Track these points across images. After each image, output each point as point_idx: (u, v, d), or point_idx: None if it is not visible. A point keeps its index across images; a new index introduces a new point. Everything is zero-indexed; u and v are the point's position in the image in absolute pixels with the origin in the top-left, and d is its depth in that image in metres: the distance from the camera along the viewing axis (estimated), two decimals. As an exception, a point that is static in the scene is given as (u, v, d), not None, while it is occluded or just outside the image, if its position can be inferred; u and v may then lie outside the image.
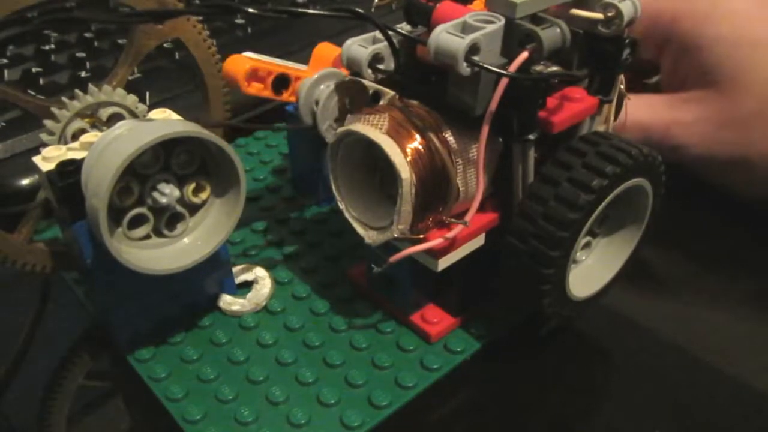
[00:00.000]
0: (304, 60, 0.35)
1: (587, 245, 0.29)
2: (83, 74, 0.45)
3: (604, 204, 0.26)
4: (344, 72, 0.30)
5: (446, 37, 0.23)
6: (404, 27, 0.26)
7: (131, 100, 0.30)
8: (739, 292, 0.33)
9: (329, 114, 0.30)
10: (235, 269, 0.32)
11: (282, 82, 0.34)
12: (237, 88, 0.33)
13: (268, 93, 0.33)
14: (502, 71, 0.23)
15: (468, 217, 0.26)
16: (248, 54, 0.33)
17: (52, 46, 0.49)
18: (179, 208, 0.27)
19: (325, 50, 0.34)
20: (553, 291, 0.27)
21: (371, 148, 0.25)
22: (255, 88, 0.33)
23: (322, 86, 0.30)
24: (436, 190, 0.25)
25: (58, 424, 0.27)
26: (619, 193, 0.26)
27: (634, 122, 0.34)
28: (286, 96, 0.34)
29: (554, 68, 0.25)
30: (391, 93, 0.28)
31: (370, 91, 0.29)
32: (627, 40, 0.26)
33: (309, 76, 0.30)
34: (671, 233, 0.34)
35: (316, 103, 0.30)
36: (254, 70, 0.33)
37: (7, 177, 0.37)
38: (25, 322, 0.32)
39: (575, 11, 0.25)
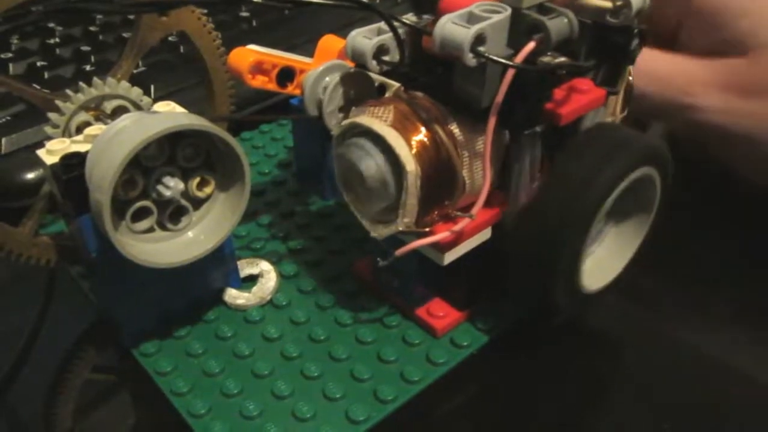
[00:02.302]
0: (309, 53, 0.35)
1: (597, 237, 0.29)
2: (88, 68, 0.45)
3: (613, 195, 0.26)
4: (349, 64, 0.29)
5: (451, 27, 0.23)
6: (409, 18, 0.26)
7: (136, 92, 0.30)
8: (747, 287, 0.33)
9: (335, 106, 0.30)
10: (240, 263, 0.32)
11: (287, 74, 0.33)
12: (241, 81, 0.33)
13: (272, 86, 0.33)
14: (508, 62, 0.23)
15: (474, 211, 0.25)
16: (252, 47, 0.33)
17: (57, 39, 0.49)
18: (183, 202, 0.27)
19: (330, 42, 0.34)
20: (563, 283, 0.26)
21: (376, 140, 0.24)
22: (259, 81, 0.33)
23: (327, 78, 0.30)
24: (441, 183, 0.25)
25: (64, 418, 0.27)
26: (627, 184, 0.26)
27: (650, 73, 0.32)
28: (290, 89, 0.34)
29: (561, 59, 0.25)
30: (396, 85, 0.28)
31: (376, 84, 0.29)
32: (635, 31, 0.26)
33: (314, 68, 0.30)
34: (679, 229, 0.34)
35: (321, 95, 0.30)
36: (258, 63, 0.33)
37: (12, 171, 0.37)
38: (31, 316, 0.32)
39: (584, 0, 0.25)
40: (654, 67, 0.32)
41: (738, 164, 0.35)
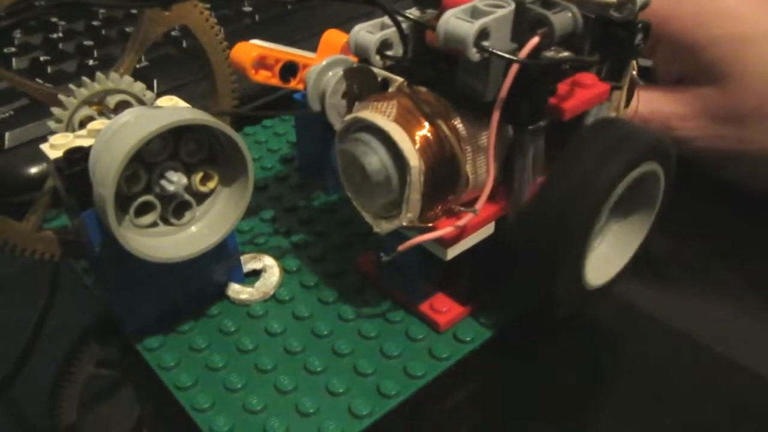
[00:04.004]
0: (312, 49, 0.35)
1: (600, 232, 0.29)
2: (91, 63, 0.45)
3: (617, 191, 0.25)
4: (352, 59, 0.29)
5: (455, 22, 0.22)
6: (413, 12, 0.26)
7: (139, 87, 0.30)
8: (747, 282, 0.33)
9: (337, 101, 0.30)
10: (243, 258, 0.32)
11: (290, 69, 0.33)
12: (244, 75, 0.33)
13: (275, 81, 0.33)
14: (512, 57, 0.23)
15: (478, 206, 0.25)
16: (256, 41, 0.33)
17: (60, 34, 0.49)
18: (186, 197, 0.27)
19: (333, 37, 0.34)
20: (567, 279, 0.26)
21: (380, 135, 0.24)
22: (262, 76, 0.33)
23: (330, 73, 0.30)
24: (445, 178, 0.25)
25: (69, 413, 0.28)
26: (632, 179, 0.26)
27: (630, 114, 0.34)
28: (293, 84, 0.34)
29: (565, 54, 0.24)
30: (400, 80, 0.28)
31: (379, 78, 0.29)
32: (639, 25, 0.26)
33: (317, 63, 0.30)
34: (679, 223, 0.34)
35: (324, 90, 0.30)
36: (262, 58, 0.32)
37: (16, 165, 0.37)
38: (35, 311, 0.33)
39: (587, -6, 0.25)
40: (633, 110, 0.34)
41: (729, 175, 0.37)
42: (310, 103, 0.30)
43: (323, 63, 0.30)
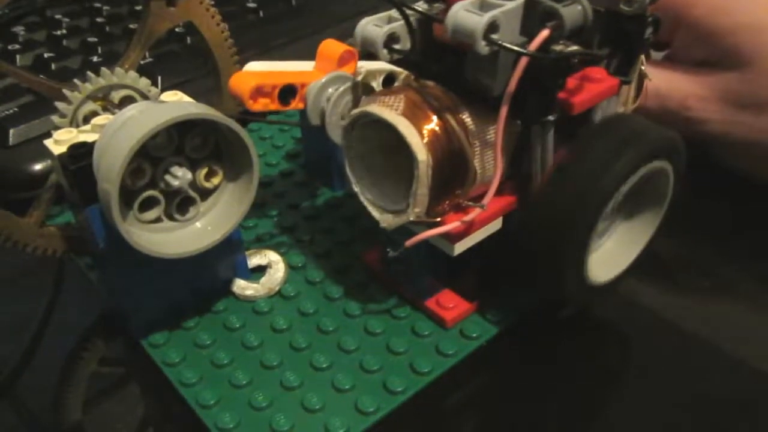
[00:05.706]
0: (316, 45, 0.34)
1: (607, 229, 0.29)
2: (95, 59, 0.45)
3: (625, 186, 0.25)
4: (350, 73, 0.29)
5: (464, 14, 0.22)
6: (421, 5, 0.26)
7: (143, 83, 0.30)
8: (756, 280, 0.32)
9: (338, 117, 0.29)
10: (248, 254, 0.32)
11: (288, 92, 0.32)
12: (244, 106, 0.32)
13: (275, 106, 0.32)
14: (522, 50, 0.22)
15: (485, 201, 0.25)
16: (252, 66, 0.32)
17: (64, 31, 0.49)
18: (191, 192, 0.27)
19: (330, 47, 0.33)
20: (573, 275, 0.26)
21: (387, 129, 0.24)
22: (261, 104, 0.32)
23: (329, 90, 0.29)
24: (453, 172, 0.25)
25: (74, 410, 0.27)
26: (640, 176, 0.26)
27: (649, 90, 0.34)
28: (293, 104, 0.33)
29: (575, 47, 0.24)
30: (406, 73, 0.28)
31: (385, 73, 0.29)
32: (650, 19, 0.25)
33: (315, 78, 0.30)
34: (688, 221, 0.34)
35: (324, 108, 0.29)
36: (258, 88, 0.31)
37: (20, 162, 0.37)
38: (39, 307, 0.32)
39: (597, -13, 0.25)
40: (653, 85, 0.33)
41: (739, 162, 0.36)
42: (310, 118, 0.29)
43: (322, 80, 0.29)
